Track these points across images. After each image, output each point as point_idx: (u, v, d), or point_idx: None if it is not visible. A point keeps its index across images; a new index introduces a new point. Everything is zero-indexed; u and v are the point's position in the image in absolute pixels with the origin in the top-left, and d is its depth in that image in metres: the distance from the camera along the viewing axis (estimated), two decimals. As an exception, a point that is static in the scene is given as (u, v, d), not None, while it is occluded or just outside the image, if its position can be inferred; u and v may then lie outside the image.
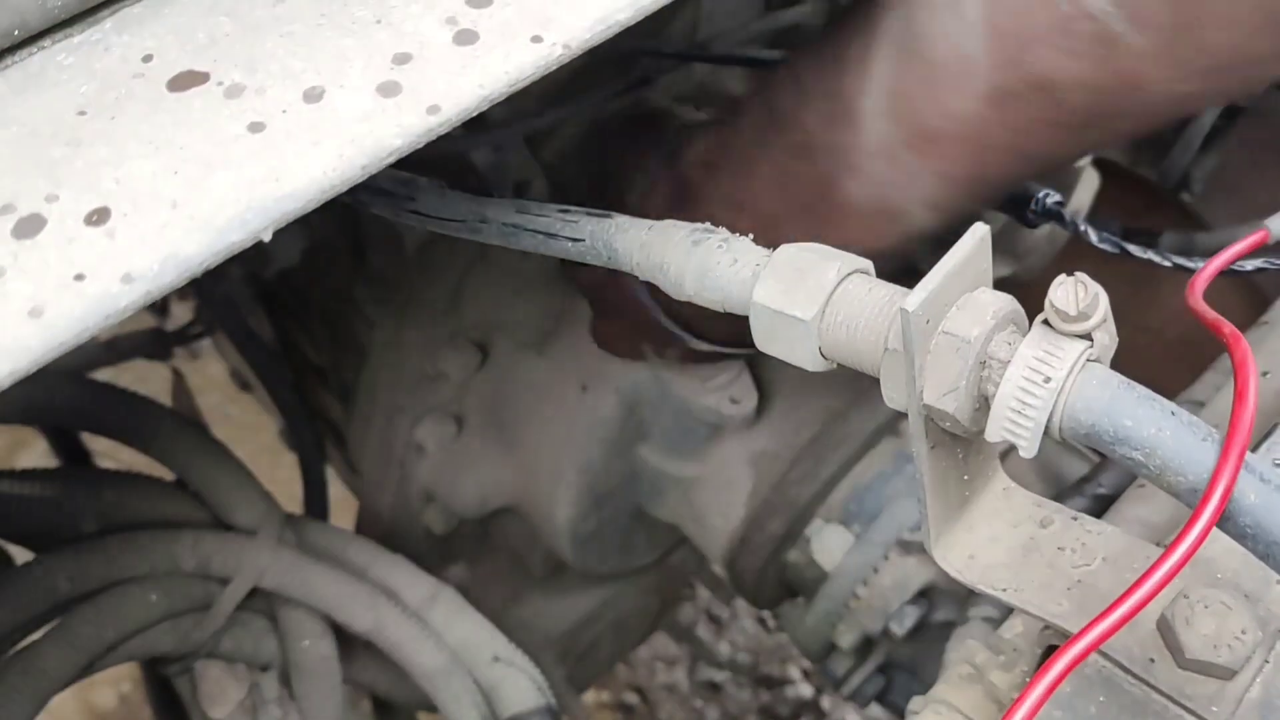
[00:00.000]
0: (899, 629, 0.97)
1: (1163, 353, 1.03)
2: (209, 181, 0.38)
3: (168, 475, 0.96)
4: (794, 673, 1.97)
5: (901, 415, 1.03)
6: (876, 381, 1.06)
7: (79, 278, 0.35)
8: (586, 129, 0.96)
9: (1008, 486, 0.56)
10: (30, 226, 0.37)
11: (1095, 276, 0.46)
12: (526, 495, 1.09)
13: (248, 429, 2.04)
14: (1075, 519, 0.55)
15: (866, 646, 1.02)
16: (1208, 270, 0.56)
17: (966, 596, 0.88)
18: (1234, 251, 0.62)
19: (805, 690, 1.95)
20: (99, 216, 0.37)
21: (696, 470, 1.06)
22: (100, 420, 0.89)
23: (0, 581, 0.82)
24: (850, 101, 0.62)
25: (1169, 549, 0.42)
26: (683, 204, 0.75)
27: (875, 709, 1.16)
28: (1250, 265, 0.71)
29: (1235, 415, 0.42)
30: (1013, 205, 0.74)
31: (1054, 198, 0.74)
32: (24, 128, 0.39)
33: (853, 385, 1.04)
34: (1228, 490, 0.41)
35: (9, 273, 0.36)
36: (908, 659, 1.03)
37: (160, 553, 0.88)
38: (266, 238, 0.39)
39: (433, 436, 1.07)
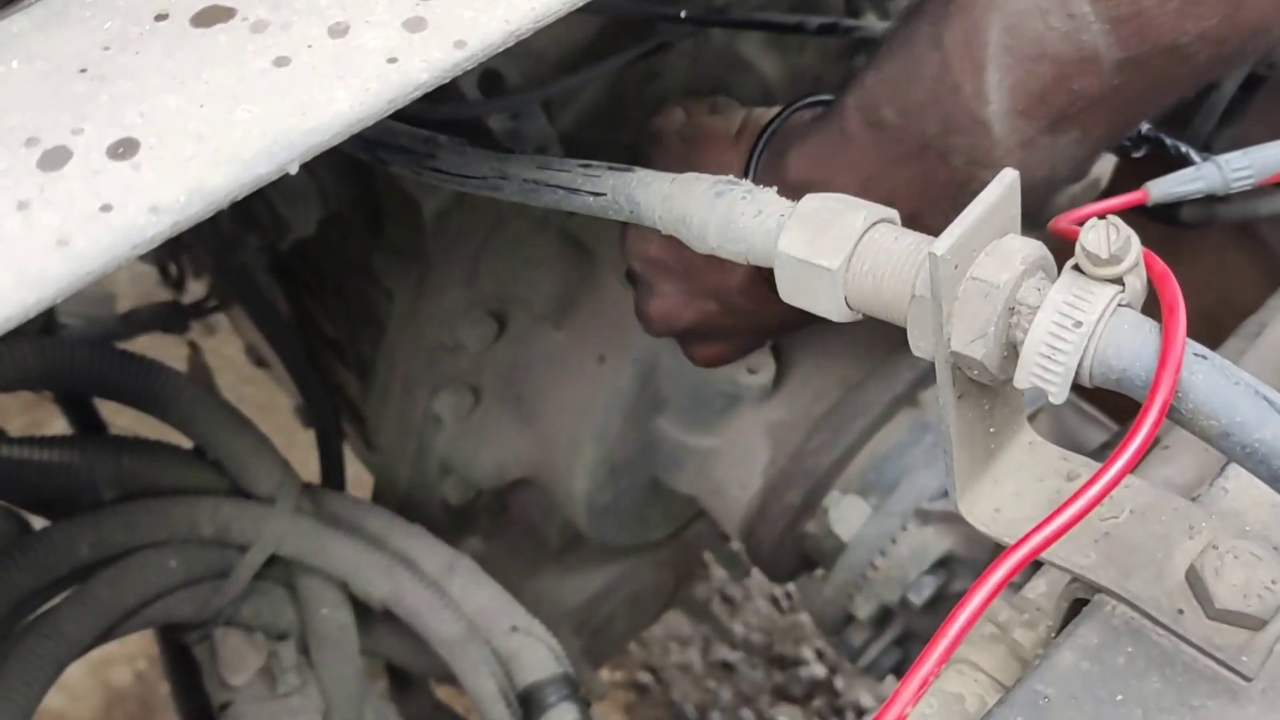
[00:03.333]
0: (917, 599, 0.96)
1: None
2: (234, 115, 0.38)
3: (186, 445, 0.97)
4: (808, 653, 1.96)
5: (920, 385, 1.03)
6: (894, 351, 1.06)
7: (105, 209, 0.35)
8: (605, 97, 0.95)
9: (1033, 440, 0.56)
10: (56, 159, 0.37)
11: None
12: (543, 466, 1.09)
13: (263, 410, 2.04)
14: (1102, 472, 0.54)
15: (884, 618, 1.01)
16: (1080, 213, 0.55)
17: (986, 564, 0.87)
18: (1107, 205, 0.63)
19: (819, 670, 1.94)
20: (125, 150, 0.37)
21: (713, 442, 1.05)
22: (119, 387, 0.89)
23: (20, 546, 0.83)
24: (973, 111, 0.61)
25: (1125, 440, 0.43)
26: None
27: (890, 684, 1.16)
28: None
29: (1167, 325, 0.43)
30: None
31: (1148, 125, 0.75)
32: (48, 63, 0.39)
33: (871, 355, 1.03)
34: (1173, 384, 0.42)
35: (35, 204, 0.36)
36: (926, 630, 1.02)
37: (179, 519, 0.88)
38: (293, 170, 0.39)
39: (450, 408, 1.07)
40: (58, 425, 1.11)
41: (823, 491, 1.02)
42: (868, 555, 0.98)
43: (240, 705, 0.92)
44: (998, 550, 0.51)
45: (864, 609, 1.00)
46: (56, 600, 0.85)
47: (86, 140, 0.37)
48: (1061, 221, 0.55)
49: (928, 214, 0.64)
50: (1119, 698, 0.48)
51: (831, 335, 1.05)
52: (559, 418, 1.05)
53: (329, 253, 1.15)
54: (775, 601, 2.01)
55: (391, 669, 1.14)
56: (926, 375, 1.01)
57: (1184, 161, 0.73)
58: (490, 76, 0.87)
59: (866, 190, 0.61)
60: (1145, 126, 0.75)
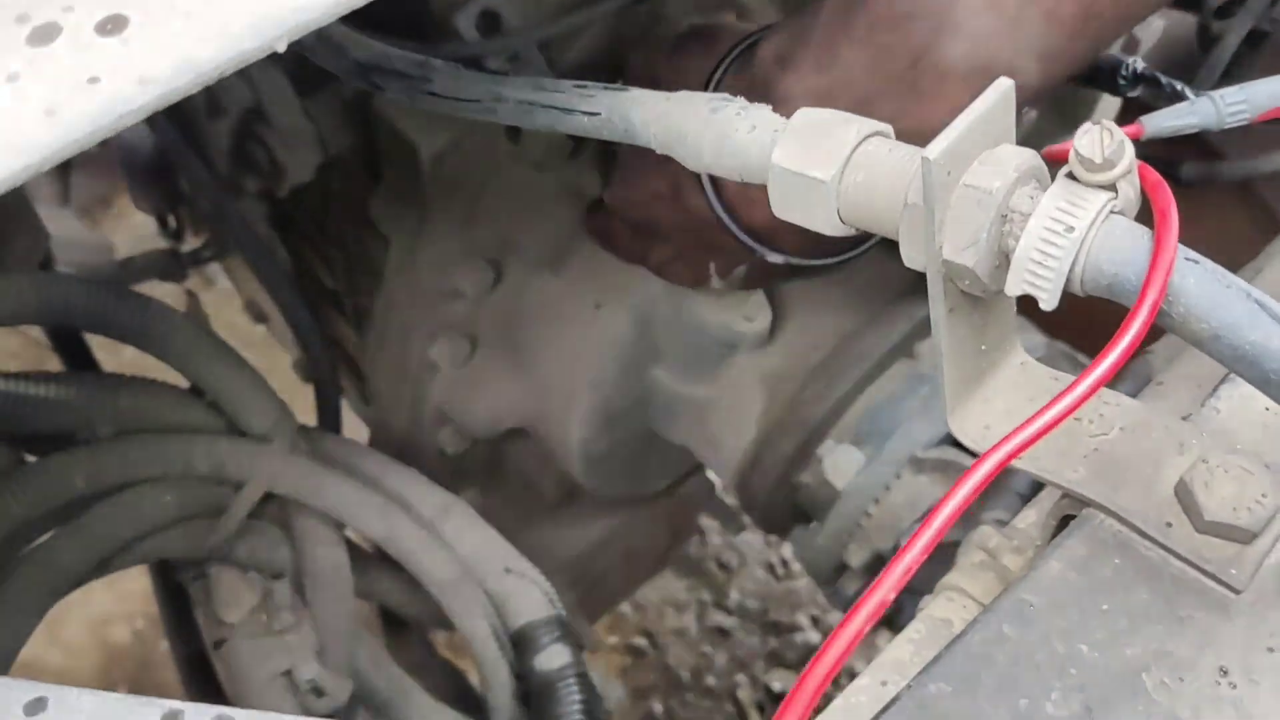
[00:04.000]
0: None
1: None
2: (224, -5, 0.38)
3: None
4: (803, 619, 1.97)
5: (915, 337, 1.03)
6: (891, 303, 1.06)
7: (93, 80, 0.35)
8: (606, 40, 0.95)
9: (1025, 361, 0.56)
10: (45, 35, 0.36)
11: None
12: (539, 415, 1.09)
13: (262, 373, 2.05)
14: (1093, 391, 0.54)
15: (877, 566, 1.02)
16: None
17: (979, 509, 0.88)
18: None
19: (814, 636, 1.95)
20: (113, 26, 0.37)
21: (709, 391, 1.05)
22: (115, 323, 0.89)
23: (15, 476, 0.83)
24: None
25: (1113, 339, 0.43)
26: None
27: (883, 638, 1.16)
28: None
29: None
30: (1102, 77, 0.74)
31: (1142, 64, 0.74)
32: (40, -56, 0.38)
33: (867, 307, 1.03)
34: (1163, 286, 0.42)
35: (24, 77, 0.36)
36: (919, 580, 1.02)
37: (175, 455, 0.88)
38: (280, 48, 0.38)
39: (446, 355, 1.07)
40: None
41: (817, 441, 1.02)
42: (861, 503, 0.98)
43: (235, 641, 0.92)
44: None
45: (857, 557, 1.00)
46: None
47: (76, 17, 0.37)
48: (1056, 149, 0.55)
49: (877, 100, 0.64)
50: (1105, 607, 0.48)
51: (828, 287, 1.05)
52: (555, 366, 1.05)
53: (328, 201, 1.15)
54: (771, 568, 2.02)
55: (387, 617, 1.14)
56: (922, 327, 1.01)
57: (1179, 98, 0.73)
58: (488, 17, 0.86)
59: (820, 68, 0.61)
60: (1140, 64, 0.74)
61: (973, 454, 0.97)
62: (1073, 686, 0.46)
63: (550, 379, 1.05)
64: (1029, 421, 0.44)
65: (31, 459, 0.91)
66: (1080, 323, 1.09)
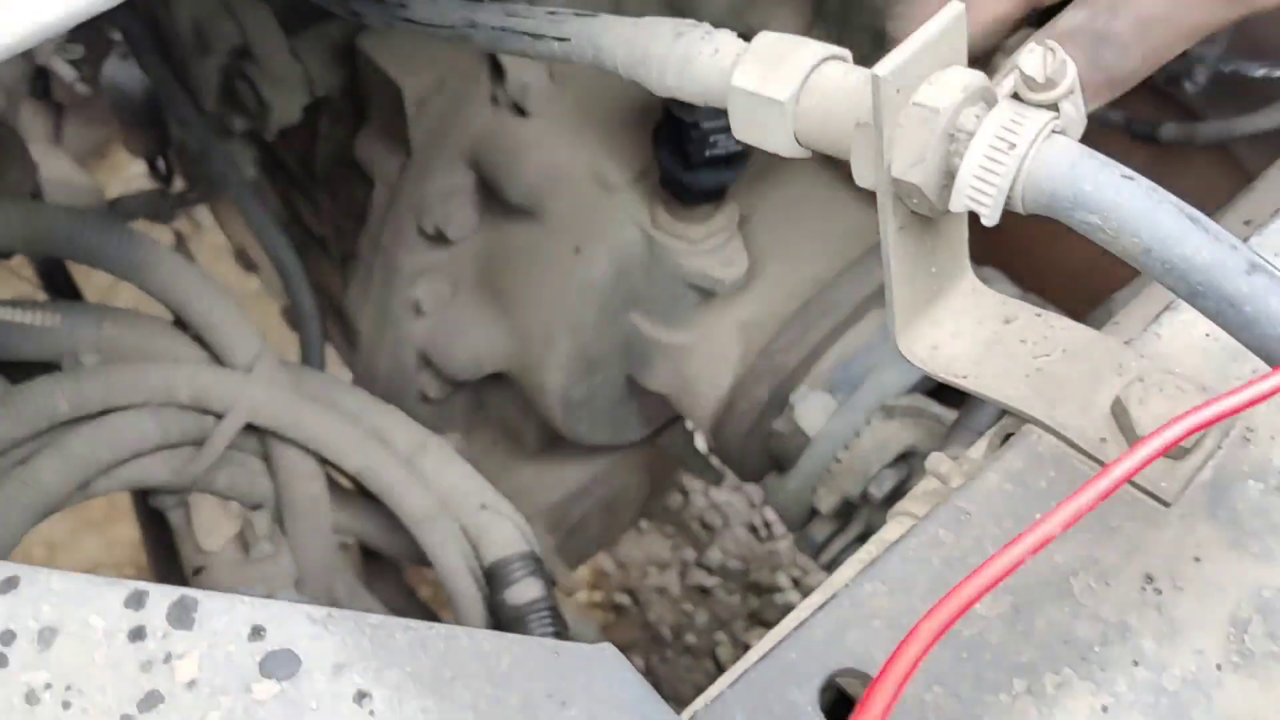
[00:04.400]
0: (878, 492, 0.98)
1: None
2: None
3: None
4: (783, 580, 1.99)
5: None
6: (866, 253, 1.07)
7: None
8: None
9: (976, 287, 0.58)
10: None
11: None
12: (519, 359, 1.11)
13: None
14: (1039, 315, 0.56)
15: (846, 511, 1.04)
16: None
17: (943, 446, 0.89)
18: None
19: (794, 597, 1.97)
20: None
21: (686, 338, 1.07)
22: (100, 253, 0.91)
23: (1, 399, 0.84)
24: None
25: None
26: None
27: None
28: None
29: None
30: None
31: None
32: None
33: (842, 257, 1.05)
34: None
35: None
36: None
37: (157, 383, 0.90)
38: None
39: (429, 296, 1.09)
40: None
41: (791, 388, 1.04)
42: (831, 449, 1.00)
43: (213, 570, 0.94)
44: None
45: (826, 502, 1.02)
46: (34, 456, 0.87)
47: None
48: None
49: None
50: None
51: (804, 236, 1.07)
52: (535, 310, 1.06)
53: (316, 145, 1.16)
54: (754, 530, 2.04)
55: (366, 555, 1.16)
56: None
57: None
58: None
59: None
60: None
61: (942, 402, 0.99)
62: (1003, 588, 0.48)
63: (529, 323, 1.07)
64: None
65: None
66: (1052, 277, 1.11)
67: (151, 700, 0.45)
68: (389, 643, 0.46)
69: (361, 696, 0.45)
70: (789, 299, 1.04)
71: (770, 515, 2.04)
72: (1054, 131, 0.47)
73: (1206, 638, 0.47)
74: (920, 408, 0.97)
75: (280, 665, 0.46)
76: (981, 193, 0.47)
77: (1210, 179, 1.24)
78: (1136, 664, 0.47)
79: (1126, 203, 0.45)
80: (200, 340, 0.95)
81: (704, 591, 1.99)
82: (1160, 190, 0.45)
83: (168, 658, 0.46)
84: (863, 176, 0.51)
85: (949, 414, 0.95)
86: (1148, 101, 1.26)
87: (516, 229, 1.05)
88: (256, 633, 0.46)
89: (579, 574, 1.93)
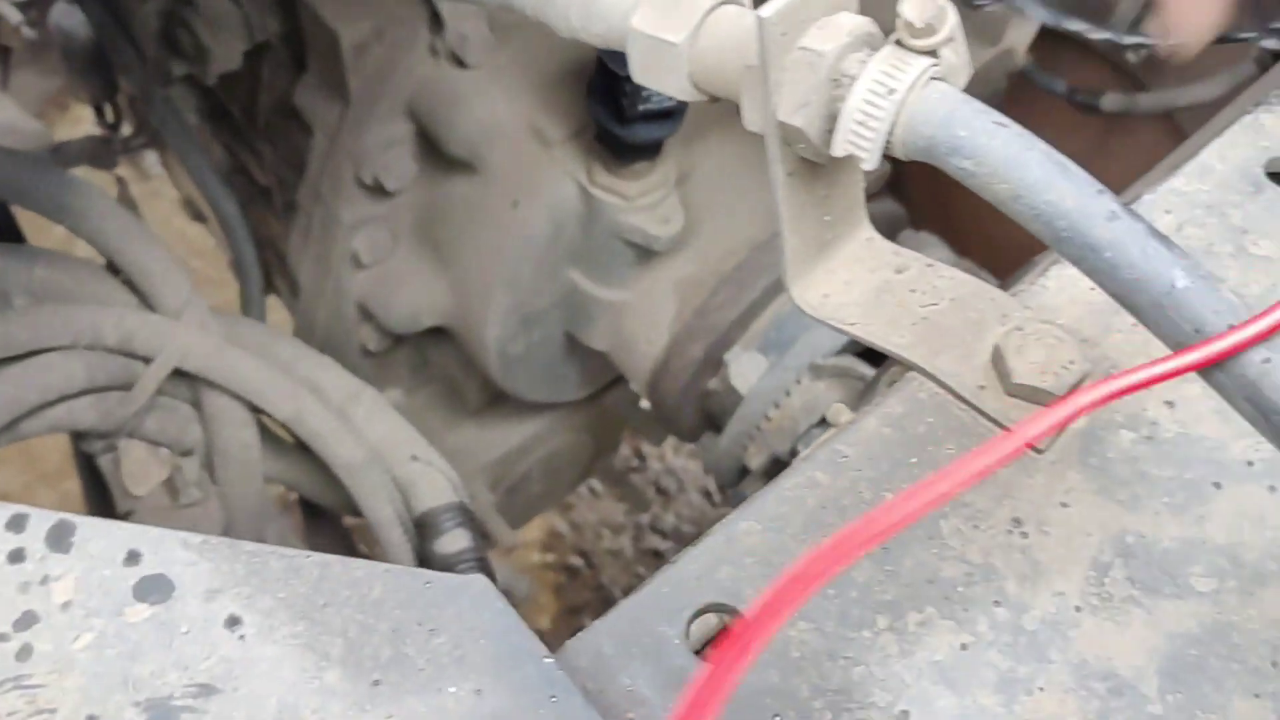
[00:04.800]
0: (805, 450, 0.99)
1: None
2: None
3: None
4: (736, 545, 2.01)
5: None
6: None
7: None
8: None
9: (871, 237, 0.58)
10: None
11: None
12: (457, 313, 1.11)
13: (211, 283, 2.06)
14: (930, 266, 0.56)
15: (775, 469, 1.05)
16: None
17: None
18: None
19: (746, 562, 1.99)
20: None
21: (624, 295, 1.08)
22: (32, 194, 0.90)
23: (-77, 337, 0.84)
24: None
25: None
26: None
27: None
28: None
29: None
30: None
31: None
32: None
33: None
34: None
35: None
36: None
37: (84, 326, 0.90)
38: None
39: (367, 248, 1.09)
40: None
41: (725, 347, 1.05)
42: (762, 408, 1.01)
43: (141, 515, 0.95)
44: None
45: (756, 460, 1.03)
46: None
47: None
48: None
49: None
50: (913, 460, 0.51)
51: (742, 196, 1.07)
52: (472, 263, 1.06)
53: (257, 92, 1.15)
54: (708, 494, 2.06)
55: (304, 505, 1.17)
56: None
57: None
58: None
59: None
60: None
61: (871, 363, 1.00)
62: (874, 529, 0.49)
63: (468, 277, 1.07)
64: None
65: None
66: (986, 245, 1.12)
67: (27, 620, 0.46)
68: (263, 570, 0.47)
69: (233, 622, 0.46)
70: (726, 258, 1.05)
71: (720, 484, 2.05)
72: (933, 78, 0.47)
73: (1068, 580, 0.49)
74: (847, 367, 0.98)
75: (154, 589, 0.46)
76: (861, 137, 0.47)
77: (1157, 155, 1.26)
78: (998, 604, 0.48)
79: (998, 149, 0.45)
80: (131, 286, 0.95)
81: (657, 555, 2.01)
82: (1031, 137, 0.46)
83: (44, 579, 0.46)
84: (751, 121, 0.51)
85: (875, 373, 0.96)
86: (1093, 71, 1.27)
87: (455, 182, 1.05)
88: (132, 558, 0.47)
89: (532, 535, 1.95)
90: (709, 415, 1.10)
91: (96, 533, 0.47)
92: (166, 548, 0.47)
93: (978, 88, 1.07)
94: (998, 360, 0.52)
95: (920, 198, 1.24)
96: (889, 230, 1.11)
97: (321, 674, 0.44)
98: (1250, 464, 0.51)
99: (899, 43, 0.48)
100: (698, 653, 0.47)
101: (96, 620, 0.45)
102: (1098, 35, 0.86)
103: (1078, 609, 0.48)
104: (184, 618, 0.46)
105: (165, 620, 0.45)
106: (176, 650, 0.45)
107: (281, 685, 0.44)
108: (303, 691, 0.44)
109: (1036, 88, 1.21)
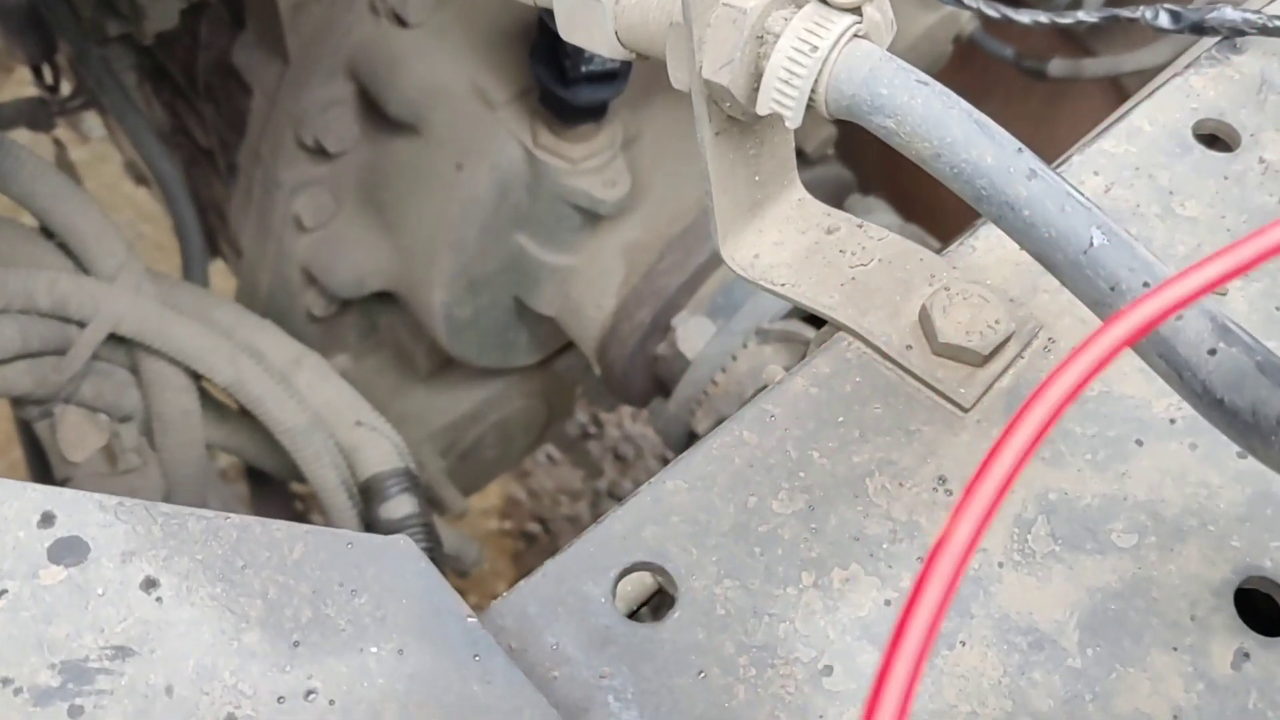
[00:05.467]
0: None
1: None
2: None
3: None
4: (692, 511, 2.02)
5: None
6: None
7: None
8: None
9: (802, 198, 0.58)
10: None
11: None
12: (403, 278, 1.10)
13: (161, 249, 2.03)
14: (860, 226, 0.56)
15: (722, 432, 1.05)
16: None
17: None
18: None
19: (702, 527, 2.00)
20: None
21: (571, 260, 1.07)
22: (-43, 154, 0.88)
23: None
24: None
25: None
26: None
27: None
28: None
29: None
30: None
31: None
32: None
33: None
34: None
35: None
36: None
37: (15, 289, 0.88)
38: None
39: (309, 210, 1.07)
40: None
41: (673, 312, 1.05)
42: (709, 372, 1.01)
43: (79, 481, 0.94)
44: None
45: (704, 424, 1.03)
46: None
47: None
48: None
49: None
50: (840, 419, 0.51)
51: (690, 160, 1.07)
52: (417, 227, 1.05)
53: (196, 51, 1.13)
54: (665, 461, 2.06)
55: (250, 473, 1.16)
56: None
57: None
58: None
59: None
60: None
61: (814, 325, 1.00)
62: (800, 487, 0.49)
63: (413, 241, 1.06)
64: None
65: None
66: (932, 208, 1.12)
67: (-63, 584, 0.45)
68: (180, 532, 0.46)
69: (150, 584, 0.45)
70: (673, 222, 1.04)
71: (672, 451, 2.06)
72: (857, 35, 0.47)
73: (991, 537, 0.49)
74: (792, 332, 0.98)
75: (69, 552, 0.45)
76: (785, 95, 0.47)
77: (1100, 113, 1.27)
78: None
79: (920, 107, 0.45)
80: (65, 249, 0.93)
81: (613, 521, 2.01)
82: (953, 96, 0.46)
83: (-45, 543, 0.45)
84: (677, 79, 0.51)
85: (819, 337, 0.96)
86: (1040, 37, 1.28)
87: (398, 144, 1.04)
88: (46, 520, 0.46)
89: (490, 502, 1.95)
90: (658, 380, 1.10)
91: (9, 494, 0.46)
92: (82, 510, 0.46)
93: (924, 52, 1.08)
94: (924, 320, 0.52)
95: (869, 163, 1.24)
96: (837, 195, 1.11)
97: (240, 635, 0.44)
98: (1172, 421, 0.52)
99: (823, 0, 0.48)
100: (637, 609, 0.47)
101: (10, 583, 0.45)
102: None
103: (1000, 565, 0.48)
104: (99, 580, 0.45)
105: (80, 583, 0.45)
106: (92, 612, 0.44)
107: (199, 647, 0.44)
108: (221, 653, 0.44)
109: (984, 53, 1.21)
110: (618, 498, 2.04)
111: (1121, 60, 1.14)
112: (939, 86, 0.46)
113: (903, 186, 1.21)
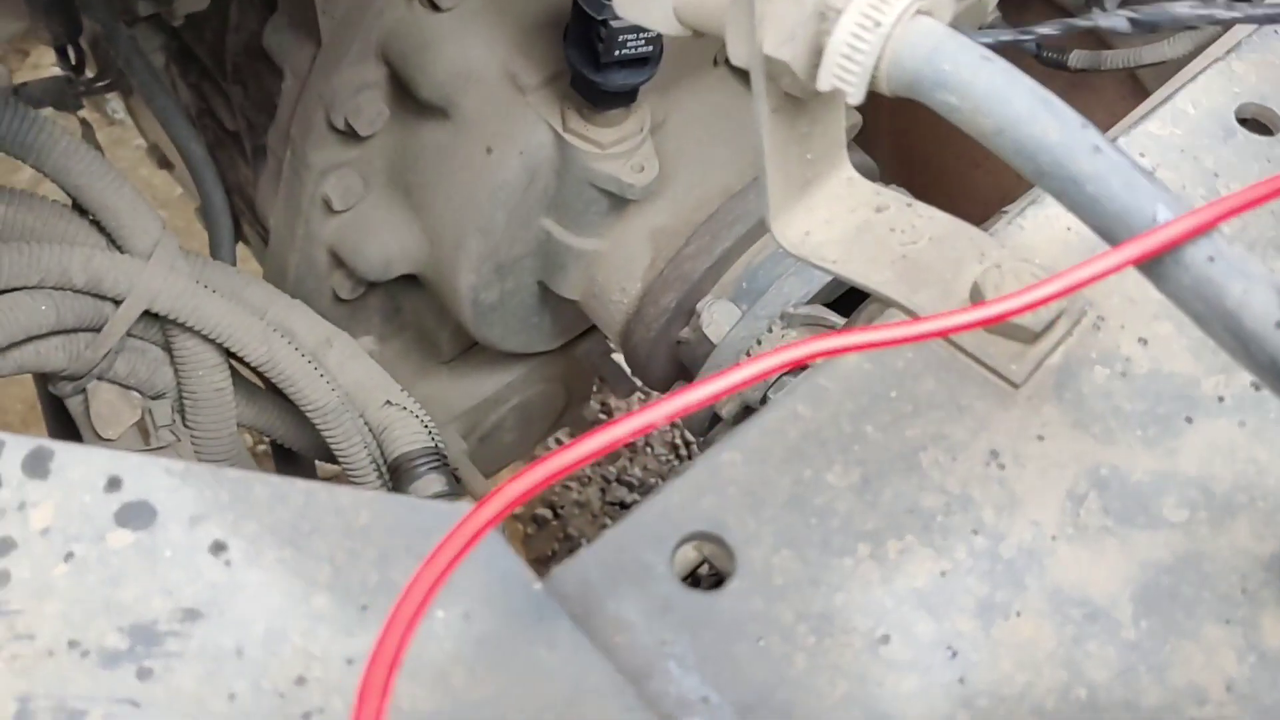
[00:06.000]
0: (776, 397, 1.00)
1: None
2: None
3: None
4: (703, 499, 2.03)
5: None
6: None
7: None
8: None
9: (851, 177, 0.59)
10: None
11: None
12: (430, 261, 1.10)
13: (180, 233, 2.03)
14: (910, 205, 0.57)
15: (745, 416, 1.05)
16: None
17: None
18: None
19: (713, 516, 2.01)
20: None
21: (597, 244, 1.07)
22: (-5, 131, 0.89)
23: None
24: None
25: None
26: None
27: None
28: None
29: None
30: None
31: None
32: None
33: (754, 168, 1.05)
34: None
35: None
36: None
37: (51, 265, 0.88)
38: None
39: (338, 192, 1.07)
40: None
41: (698, 296, 1.05)
42: (734, 356, 1.02)
43: (111, 458, 0.94)
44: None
45: (728, 408, 1.04)
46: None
47: None
48: None
49: None
50: (893, 394, 0.52)
51: (718, 145, 1.07)
52: (445, 210, 1.06)
53: (225, 32, 1.13)
54: (675, 448, 2.07)
55: (277, 452, 1.16)
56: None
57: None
58: None
59: None
60: None
61: (842, 312, 1.00)
62: (854, 461, 0.50)
63: (440, 224, 1.06)
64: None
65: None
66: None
67: (4, 546, 0.45)
68: (247, 496, 0.47)
69: (219, 547, 0.46)
70: (700, 207, 1.04)
71: (691, 436, 2.07)
72: (919, 11, 0.48)
73: (1044, 510, 0.50)
74: (818, 316, 0.98)
75: (136, 515, 0.46)
76: (847, 71, 0.48)
77: (1121, 111, 1.27)
78: (976, 533, 0.49)
79: (983, 83, 0.46)
80: (99, 226, 0.94)
81: (624, 506, 2.02)
82: (1016, 72, 0.46)
83: (22, 505, 0.46)
84: (736, 55, 0.51)
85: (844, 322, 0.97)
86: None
87: (428, 127, 1.04)
88: (113, 484, 0.47)
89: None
90: (681, 364, 1.11)
91: (75, 459, 0.47)
92: (148, 474, 0.47)
93: None
94: (976, 296, 0.53)
95: (887, 152, 1.24)
96: (862, 181, 1.11)
97: (309, 599, 0.45)
98: (1221, 399, 0.52)
99: (886, -24, 0.48)
100: (684, 579, 0.48)
101: (77, 546, 0.45)
102: None
103: (1053, 538, 0.49)
104: (167, 543, 0.46)
105: (148, 546, 0.45)
106: (160, 576, 0.45)
107: (268, 610, 0.44)
108: (290, 616, 0.44)
109: (1005, 44, 1.21)
110: (627, 484, 2.05)
111: (1141, 52, 1.14)
112: (1003, 63, 0.46)
113: (919, 175, 1.22)
